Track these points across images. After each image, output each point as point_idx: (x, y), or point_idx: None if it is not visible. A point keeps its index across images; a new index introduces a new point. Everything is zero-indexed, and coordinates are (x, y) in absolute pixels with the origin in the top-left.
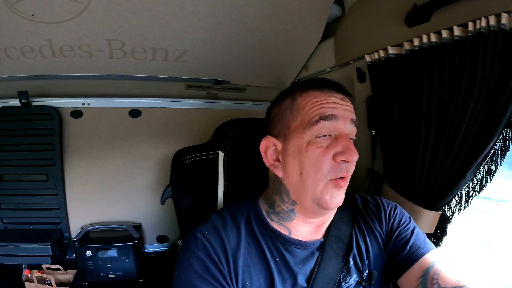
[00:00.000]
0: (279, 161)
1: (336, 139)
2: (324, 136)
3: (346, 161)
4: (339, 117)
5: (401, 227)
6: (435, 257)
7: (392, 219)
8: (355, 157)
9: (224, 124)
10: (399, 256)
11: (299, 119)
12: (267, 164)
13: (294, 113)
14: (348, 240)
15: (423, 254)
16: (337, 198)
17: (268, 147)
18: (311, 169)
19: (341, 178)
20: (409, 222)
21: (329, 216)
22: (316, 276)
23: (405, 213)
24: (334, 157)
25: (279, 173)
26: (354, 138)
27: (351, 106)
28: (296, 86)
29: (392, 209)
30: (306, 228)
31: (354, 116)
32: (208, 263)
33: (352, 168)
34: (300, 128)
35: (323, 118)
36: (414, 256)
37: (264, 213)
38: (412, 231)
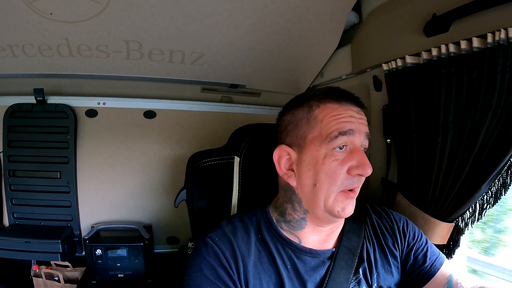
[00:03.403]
0: (292, 170)
1: (351, 152)
2: (341, 148)
3: (360, 175)
4: (356, 131)
5: (416, 241)
6: (452, 265)
7: (407, 235)
8: (370, 171)
9: (240, 129)
10: (422, 268)
11: (316, 132)
12: (280, 173)
13: (311, 124)
14: (359, 251)
15: (442, 263)
16: (348, 208)
17: (282, 156)
18: (325, 181)
19: (351, 189)
20: (420, 235)
21: (339, 225)
22: (327, 285)
23: (415, 225)
24: (348, 170)
25: (292, 182)
26: (366, 147)
27: (365, 119)
28: (313, 94)
29: (405, 225)
30: (316, 237)
31: (368, 130)
32: (218, 269)
33: (363, 180)
34: (317, 141)
35: (342, 133)
36: (435, 265)
37: (275, 221)
38: (426, 243)
